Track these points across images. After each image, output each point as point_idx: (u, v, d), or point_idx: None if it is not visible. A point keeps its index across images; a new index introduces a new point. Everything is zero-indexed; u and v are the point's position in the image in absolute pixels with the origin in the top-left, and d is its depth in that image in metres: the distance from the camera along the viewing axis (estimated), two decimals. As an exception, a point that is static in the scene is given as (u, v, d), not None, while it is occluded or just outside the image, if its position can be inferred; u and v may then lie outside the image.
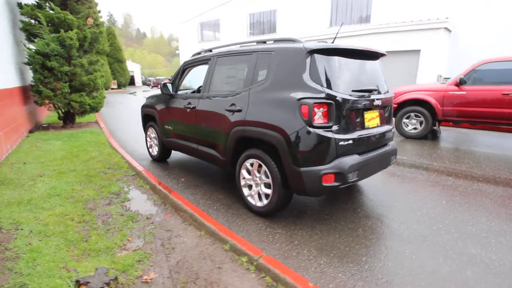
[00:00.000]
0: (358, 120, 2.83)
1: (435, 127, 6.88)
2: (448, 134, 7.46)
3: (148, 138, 5.27)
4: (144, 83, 44.56)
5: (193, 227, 2.80)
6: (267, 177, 2.94)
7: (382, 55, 3.21)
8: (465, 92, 6.03)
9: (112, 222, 2.91)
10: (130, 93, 25.66)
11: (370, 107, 2.94)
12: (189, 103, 3.91)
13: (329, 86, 2.63)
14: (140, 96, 22.93)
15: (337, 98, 2.61)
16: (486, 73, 5.92)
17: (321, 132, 2.59)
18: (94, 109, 7.58)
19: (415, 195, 3.67)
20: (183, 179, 4.20)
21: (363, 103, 2.83)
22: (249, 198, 3.18)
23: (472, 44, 12.37)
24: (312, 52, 2.65)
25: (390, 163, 3.29)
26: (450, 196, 3.63)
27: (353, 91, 2.79)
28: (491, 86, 5.75)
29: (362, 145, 2.86)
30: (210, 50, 4.00)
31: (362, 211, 3.23)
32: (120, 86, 30.42)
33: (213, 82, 3.65)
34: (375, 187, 3.92)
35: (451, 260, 2.37)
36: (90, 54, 7.43)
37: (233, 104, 3.19)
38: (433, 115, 6.51)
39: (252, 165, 3.08)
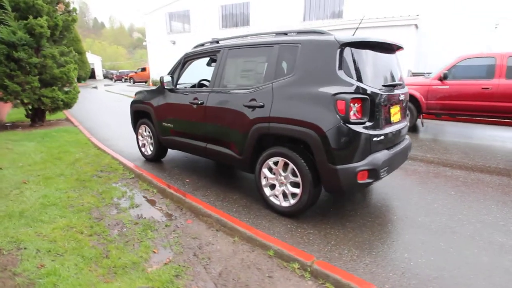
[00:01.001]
0: (386, 115, 2.80)
1: (419, 120, 7.21)
2: (427, 127, 7.87)
3: (139, 137, 4.88)
4: (105, 77, 41.83)
5: (223, 233, 2.60)
6: (294, 175, 2.81)
7: (400, 48, 3.20)
8: (448, 87, 6.36)
9: (128, 232, 2.61)
10: (93, 87, 23.98)
11: (396, 101, 2.93)
12: (196, 99, 3.64)
13: (361, 80, 2.56)
14: (101, 90, 21.52)
15: (371, 93, 2.55)
16: (466, 69, 6.28)
17: (357, 128, 2.52)
18: (68, 105, 6.87)
19: (424, 187, 3.78)
20: (187, 180, 3.93)
21: (391, 98, 2.81)
22: (271, 198, 3.04)
23: (437, 41, 13.18)
24: (345, 45, 2.55)
25: (407, 157, 3.33)
26: (455, 186, 3.79)
27: (382, 85, 2.75)
28: (471, 81, 6.12)
29: (390, 141, 2.85)
30: (217, 42, 3.75)
31: (382, 205, 3.25)
32: (80, 79, 28.25)
33: (225, 76, 3.42)
34: (383, 181, 3.97)
35: (485, 250, 2.44)
36: (60, 45, 6.68)
37: (252, 100, 3.01)
38: (417, 108, 6.80)
39: (276, 163, 2.94)
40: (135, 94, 5.06)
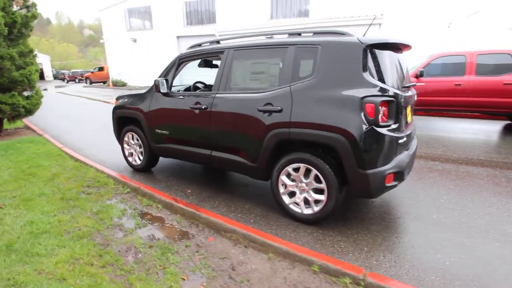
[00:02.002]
0: (405, 116, 2.81)
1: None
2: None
3: (125, 145, 4.45)
4: (56, 77, 38.42)
5: (253, 249, 2.42)
6: (318, 182, 2.72)
7: (408, 47, 3.22)
8: (424, 83, 6.71)
9: (145, 258, 2.32)
10: (44, 90, 21.82)
11: (410, 102, 2.95)
12: (197, 103, 3.37)
13: (384, 82, 2.53)
14: (52, 92, 19.75)
15: (394, 95, 2.53)
16: (440, 66, 6.68)
17: (385, 131, 2.49)
18: (30, 112, 6.08)
19: (424, 182, 3.91)
20: (189, 191, 3.66)
21: (408, 99, 2.82)
22: (291, 206, 2.92)
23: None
24: (369, 46, 2.50)
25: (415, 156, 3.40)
26: (452, 180, 3.97)
27: (403, 87, 2.75)
28: (445, 78, 6.52)
29: (409, 141, 2.87)
30: (218, 42, 3.51)
31: (395, 204, 3.28)
32: (27, 81, 25.59)
33: (231, 78, 3.20)
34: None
35: (504, 243, 2.55)
36: (17, 44, 5.85)
37: (268, 104, 2.84)
38: (396, 105, 7.09)
39: (296, 170, 2.81)
40: (117, 99, 4.61)
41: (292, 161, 2.80)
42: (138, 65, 21.94)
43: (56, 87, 25.36)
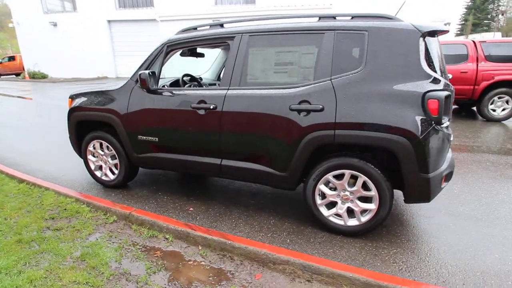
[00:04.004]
0: None
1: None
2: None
3: (90, 157, 3.50)
4: None
5: (320, 283, 1.96)
6: (366, 189, 2.38)
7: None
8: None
9: (186, 321, 1.69)
10: None
11: None
12: (202, 102, 2.71)
13: (441, 74, 2.28)
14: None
15: (451, 89, 2.30)
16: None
17: (445, 129, 2.25)
18: None
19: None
20: (191, 209, 2.99)
21: None
22: (331, 218, 2.54)
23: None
24: (426, 33, 2.20)
25: None
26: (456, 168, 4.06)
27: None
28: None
29: None
30: (221, 25, 2.84)
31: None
32: None
33: (248, 71, 2.62)
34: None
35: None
36: None
37: (304, 102, 2.37)
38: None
39: (337, 177, 2.43)
40: (72, 98, 3.58)
41: (334, 167, 2.40)
42: (61, 54, 18.85)
43: None
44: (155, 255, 2.27)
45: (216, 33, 2.75)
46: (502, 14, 35.88)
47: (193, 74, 3.72)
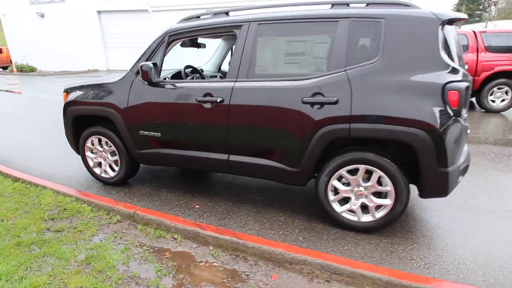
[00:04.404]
0: None
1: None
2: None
3: (88, 153, 3.35)
4: None
5: (339, 283, 1.89)
6: (381, 185, 2.31)
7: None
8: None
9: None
10: None
11: None
12: (208, 95, 2.58)
13: (459, 64, 2.19)
14: None
15: (469, 79, 2.22)
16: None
17: (463, 122, 2.17)
18: None
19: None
20: (197, 206, 2.89)
21: None
22: (344, 214, 2.47)
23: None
24: (445, 21, 2.10)
25: None
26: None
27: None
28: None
29: None
30: (227, 13, 2.70)
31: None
32: None
33: (257, 61, 2.49)
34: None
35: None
36: None
37: (317, 94, 2.26)
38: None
39: (351, 172, 2.34)
40: (67, 91, 3.41)
41: (348, 162, 2.31)
42: (49, 46, 18.25)
43: None
44: (164, 256, 2.17)
45: (221, 22, 2.60)
46: (494, 5, 36.07)
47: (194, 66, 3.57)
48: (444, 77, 2.05)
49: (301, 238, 2.39)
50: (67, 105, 3.29)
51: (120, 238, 2.36)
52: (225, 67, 4.44)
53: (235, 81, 2.53)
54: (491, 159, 4.05)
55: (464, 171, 2.36)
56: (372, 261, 2.13)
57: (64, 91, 3.45)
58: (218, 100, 2.53)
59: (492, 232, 2.45)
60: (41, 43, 18.33)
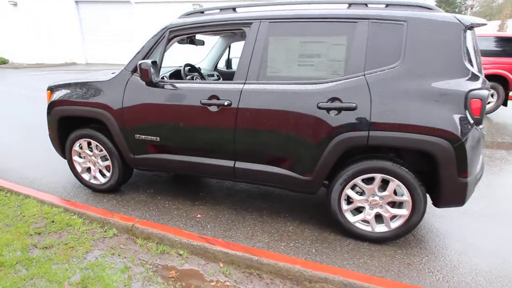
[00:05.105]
0: None
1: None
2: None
3: (76, 158, 3.07)
4: None
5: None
6: (396, 194, 2.22)
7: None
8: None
9: None
10: None
11: None
12: (213, 97, 2.40)
13: (478, 70, 2.13)
14: None
15: (488, 85, 2.16)
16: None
17: (483, 130, 2.12)
18: None
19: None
20: (199, 216, 2.71)
21: None
22: (358, 225, 2.37)
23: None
24: (468, 27, 2.02)
25: None
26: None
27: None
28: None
29: None
30: (234, 9, 2.50)
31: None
32: None
33: (268, 63, 2.32)
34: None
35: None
36: None
37: (334, 99, 2.13)
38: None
39: (366, 181, 2.25)
40: (52, 89, 3.10)
41: (364, 171, 2.21)
42: (23, 37, 17.11)
43: None
44: (170, 276, 1.98)
45: (229, 19, 2.42)
46: (471, 8, 37.53)
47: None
48: (466, 84, 1.98)
49: (313, 250, 2.27)
50: (52, 105, 2.99)
51: (119, 255, 2.14)
52: (221, 65, 4.25)
53: (244, 83, 2.35)
54: (485, 163, 4.11)
55: (479, 179, 2.33)
56: (391, 275, 2.04)
57: (48, 89, 3.14)
58: (226, 103, 2.35)
59: (501, 239, 2.44)
60: (14, 33, 17.14)
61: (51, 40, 17.02)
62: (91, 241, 2.27)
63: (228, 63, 4.18)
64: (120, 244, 2.26)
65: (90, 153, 3.01)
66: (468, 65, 2.01)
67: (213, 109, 2.41)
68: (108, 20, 16.55)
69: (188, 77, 3.12)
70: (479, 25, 2.11)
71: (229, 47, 4.03)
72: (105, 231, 2.38)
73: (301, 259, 2.06)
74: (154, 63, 2.48)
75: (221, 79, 4.04)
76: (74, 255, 2.12)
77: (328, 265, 2.03)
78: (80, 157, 3.09)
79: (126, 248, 2.22)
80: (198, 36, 3.31)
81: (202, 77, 3.31)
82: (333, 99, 2.14)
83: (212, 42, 3.98)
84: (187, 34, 2.61)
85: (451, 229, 2.59)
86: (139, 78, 2.62)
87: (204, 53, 4.14)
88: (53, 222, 2.46)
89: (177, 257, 2.15)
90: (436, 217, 2.76)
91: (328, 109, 2.15)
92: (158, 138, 2.67)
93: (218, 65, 4.21)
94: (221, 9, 2.54)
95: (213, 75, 3.92)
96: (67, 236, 2.31)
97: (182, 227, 2.51)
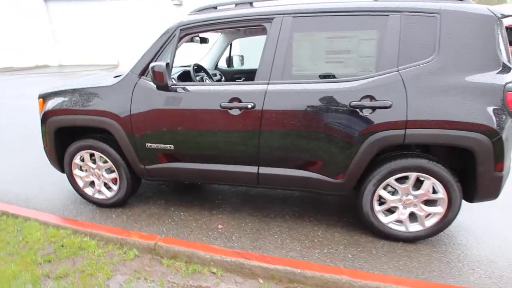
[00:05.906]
0: None
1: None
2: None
3: (77, 171, 2.80)
4: None
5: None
6: (433, 192, 2.16)
7: None
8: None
9: None
10: None
11: None
12: (235, 100, 2.23)
13: (509, 61, 2.09)
14: None
15: (518, 78, 2.14)
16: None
17: (512, 124, 2.09)
18: None
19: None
20: (220, 226, 2.54)
21: None
22: (391, 225, 2.30)
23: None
24: (501, 19, 1.97)
25: None
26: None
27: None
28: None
29: None
30: (251, 4, 2.33)
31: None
32: None
33: (292, 61, 2.18)
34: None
35: None
36: None
37: (368, 97, 2.03)
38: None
39: (400, 180, 2.17)
40: (43, 98, 2.81)
41: (399, 170, 2.13)
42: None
43: None
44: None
45: (248, 14, 2.24)
46: None
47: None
48: (502, 77, 1.94)
49: (350, 256, 2.18)
50: (47, 115, 2.69)
51: (145, 279, 1.94)
52: (222, 64, 4.05)
53: (268, 83, 2.20)
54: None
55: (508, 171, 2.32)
56: (434, 275, 1.99)
57: (40, 97, 2.83)
58: (249, 106, 2.19)
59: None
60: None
61: (19, 42, 15.91)
62: (111, 265, 2.05)
63: (229, 61, 3.99)
64: (145, 266, 2.05)
65: (94, 166, 2.75)
66: (502, 57, 1.97)
67: (235, 112, 2.24)
68: (81, 18, 15.69)
69: (197, 78, 2.92)
70: (509, 16, 2.07)
71: (231, 44, 3.84)
72: (125, 253, 2.16)
73: (347, 269, 1.96)
74: (167, 65, 2.27)
75: (223, 78, 3.86)
76: (94, 283, 1.90)
77: (376, 273, 1.94)
78: (82, 170, 2.82)
79: (152, 270, 2.03)
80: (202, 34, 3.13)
81: (210, 77, 3.11)
82: (366, 97, 2.03)
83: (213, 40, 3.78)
84: (199, 32, 2.41)
85: (474, 222, 2.58)
86: (147, 81, 2.42)
87: (202, 51, 3.93)
88: (62, 246, 2.21)
89: (211, 276, 1.98)
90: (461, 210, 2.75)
91: (361, 108, 2.04)
92: (172, 146, 2.46)
93: (218, 65, 4.02)
94: (236, 4, 2.36)
95: (215, 75, 3.72)
96: (82, 262, 2.07)
97: (205, 240, 2.35)
